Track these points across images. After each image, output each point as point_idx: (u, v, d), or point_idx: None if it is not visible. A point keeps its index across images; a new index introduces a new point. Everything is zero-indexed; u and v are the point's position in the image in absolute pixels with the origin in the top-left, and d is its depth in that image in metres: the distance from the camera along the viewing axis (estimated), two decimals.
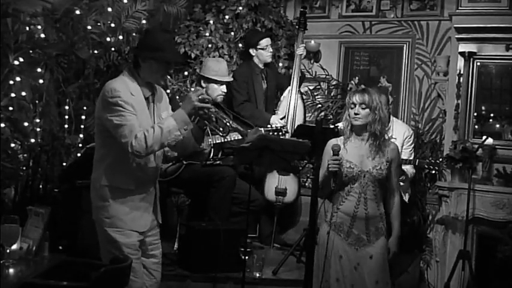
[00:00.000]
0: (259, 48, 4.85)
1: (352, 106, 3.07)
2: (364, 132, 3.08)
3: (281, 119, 4.74)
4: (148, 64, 2.74)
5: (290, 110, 4.83)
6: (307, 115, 5.65)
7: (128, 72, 2.77)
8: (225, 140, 4.04)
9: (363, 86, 3.25)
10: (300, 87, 5.00)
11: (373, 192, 3.03)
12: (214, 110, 2.76)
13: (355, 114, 3.05)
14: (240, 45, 5.32)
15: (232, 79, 4.51)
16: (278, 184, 4.69)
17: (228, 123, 2.88)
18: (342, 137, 3.16)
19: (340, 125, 4.37)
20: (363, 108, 3.04)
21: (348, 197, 3.06)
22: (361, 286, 2.98)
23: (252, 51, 4.88)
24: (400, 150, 3.41)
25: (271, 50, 4.92)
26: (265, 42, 4.87)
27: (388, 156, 3.07)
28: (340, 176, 3.02)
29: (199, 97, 2.68)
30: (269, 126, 4.36)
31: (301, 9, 5.09)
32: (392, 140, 3.26)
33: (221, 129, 2.91)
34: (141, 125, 2.65)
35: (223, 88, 4.37)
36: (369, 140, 3.07)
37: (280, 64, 5.48)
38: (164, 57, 2.75)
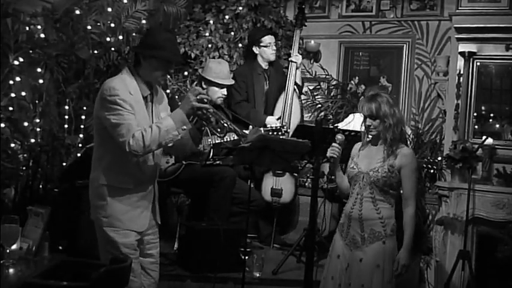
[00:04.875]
0: (262, 46, 4.83)
1: (364, 117, 3.04)
2: (379, 140, 3.03)
3: (277, 119, 4.72)
4: (149, 62, 2.74)
5: (286, 112, 4.79)
6: (307, 115, 5.66)
7: (127, 71, 2.77)
8: (224, 140, 4.04)
9: (371, 93, 3.16)
10: (300, 93, 4.97)
11: (370, 194, 2.97)
12: (212, 111, 2.76)
13: (368, 126, 3.01)
14: (240, 45, 5.32)
15: (233, 82, 4.49)
16: (274, 185, 4.69)
17: (226, 124, 2.88)
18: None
19: (340, 125, 4.39)
20: (373, 120, 2.98)
21: (350, 198, 3.07)
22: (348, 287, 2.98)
23: (255, 49, 4.87)
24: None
25: (275, 48, 4.90)
26: (268, 39, 4.85)
27: (395, 161, 2.96)
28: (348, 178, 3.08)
29: (198, 97, 2.68)
30: (269, 126, 4.35)
31: (299, 6, 5.03)
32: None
33: (219, 130, 2.91)
34: (139, 124, 2.64)
35: (224, 91, 4.37)
36: (382, 145, 3.03)
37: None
38: (165, 56, 2.75)
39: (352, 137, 3.54)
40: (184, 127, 2.67)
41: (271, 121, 4.64)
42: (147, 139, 2.59)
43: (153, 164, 2.81)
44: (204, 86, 4.35)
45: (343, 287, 2.98)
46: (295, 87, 4.84)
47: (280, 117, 4.75)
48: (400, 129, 2.98)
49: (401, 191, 3.03)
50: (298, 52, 4.94)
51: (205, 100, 2.71)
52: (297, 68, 4.85)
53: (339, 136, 3.07)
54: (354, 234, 2.99)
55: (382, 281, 2.90)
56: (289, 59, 4.91)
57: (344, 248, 3.02)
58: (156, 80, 2.84)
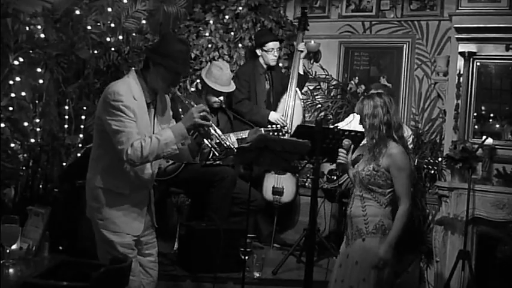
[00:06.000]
0: (265, 50, 4.88)
1: None
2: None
3: (281, 115, 4.75)
4: (157, 69, 2.71)
5: (288, 110, 4.84)
6: (307, 115, 5.67)
7: (134, 74, 2.75)
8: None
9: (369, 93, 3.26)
10: (302, 86, 5.03)
11: (359, 192, 3.08)
12: (214, 129, 2.78)
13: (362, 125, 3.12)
14: (240, 45, 5.33)
15: (232, 89, 4.47)
16: (275, 183, 4.70)
17: (225, 144, 2.88)
18: None
19: (340, 125, 4.39)
20: (362, 121, 3.11)
21: None
22: (340, 283, 3.06)
23: (258, 51, 4.94)
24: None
25: (276, 54, 4.93)
26: (272, 45, 4.88)
27: (382, 161, 3.00)
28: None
29: (201, 114, 2.67)
30: (269, 126, 4.37)
31: (302, 10, 5.10)
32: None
33: (218, 149, 2.91)
34: (140, 131, 2.64)
35: (221, 98, 4.36)
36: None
37: (280, 64, 5.48)
38: (174, 67, 2.72)
39: (353, 137, 3.55)
40: (184, 141, 2.68)
41: (275, 116, 4.66)
42: (145, 150, 2.57)
43: (150, 171, 2.81)
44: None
45: (337, 281, 3.09)
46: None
47: (283, 115, 4.78)
48: (384, 130, 3.01)
49: None
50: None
51: (208, 117, 2.71)
52: (301, 58, 5.00)
53: (346, 142, 3.18)
54: (347, 232, 3.13)
55: (358, 278, 2.97)
56: (297, 48, 5.03)
57: (343, 245, 3.17)
58: (163, 90, 2.81)
